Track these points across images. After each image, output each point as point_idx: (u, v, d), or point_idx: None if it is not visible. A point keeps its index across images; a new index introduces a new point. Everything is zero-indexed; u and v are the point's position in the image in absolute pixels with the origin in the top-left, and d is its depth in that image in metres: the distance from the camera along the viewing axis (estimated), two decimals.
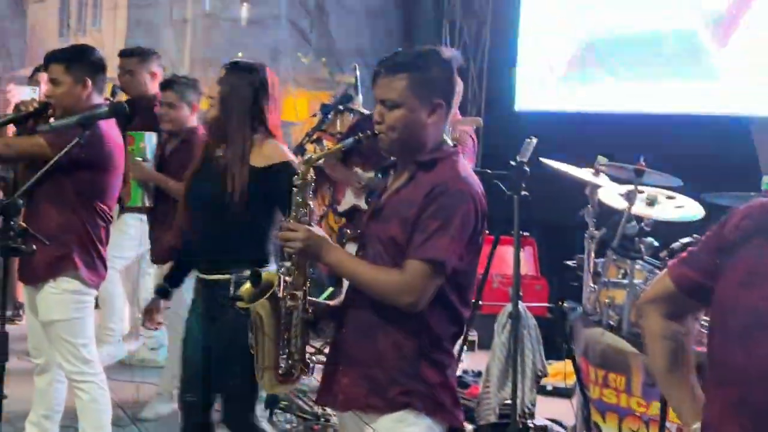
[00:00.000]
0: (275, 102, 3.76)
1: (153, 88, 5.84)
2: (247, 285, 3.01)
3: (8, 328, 6.51)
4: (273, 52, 9.11)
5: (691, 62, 7.11)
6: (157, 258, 5.46)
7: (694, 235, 4.37)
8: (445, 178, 2.77)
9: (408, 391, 2.77)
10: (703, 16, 7.15)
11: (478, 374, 5.39)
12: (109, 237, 4.33)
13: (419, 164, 2.83)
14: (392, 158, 2.99)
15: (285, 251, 2.90)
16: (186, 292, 5.43)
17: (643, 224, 4.94)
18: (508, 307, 4.75)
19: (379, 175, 3.31)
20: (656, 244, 4.87)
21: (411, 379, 2.77)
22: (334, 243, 2.98)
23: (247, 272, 3.17)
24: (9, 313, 6.95)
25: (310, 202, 2.99)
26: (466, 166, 2.90)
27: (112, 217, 4.34)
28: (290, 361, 2.95)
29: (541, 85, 8.43)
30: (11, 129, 4.45)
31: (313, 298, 3.01)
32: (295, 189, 2.97)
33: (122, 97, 6.14)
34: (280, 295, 2.92)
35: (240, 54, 9.26)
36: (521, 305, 4.69)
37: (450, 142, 2.92)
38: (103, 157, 4.04)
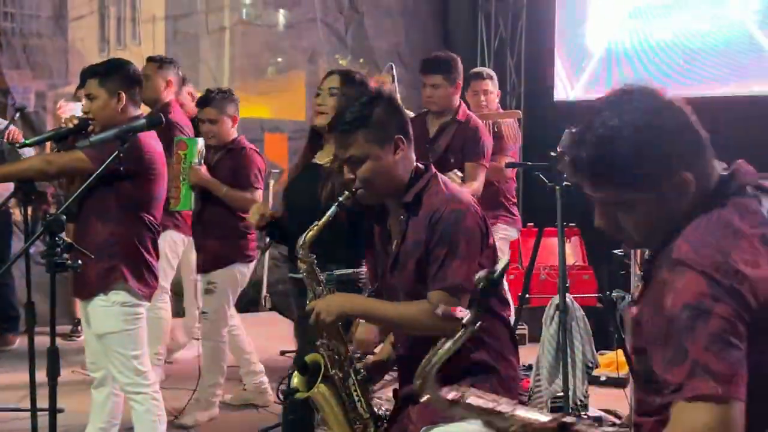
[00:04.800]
0: None
1: (167, 95, 5.87)
2: (297, 376, 3.10)
3: (67, 343, 6.68)
4: (311, 55, 9.14)
5: (736, 43, 7.01)
6: (203, 266, 5.47)
7: None
8: (435, 205, 2.85)
9: None
10: None
11: (529, 368, 5.37)
12: (158, 247, 4.36)
13: (407, 207, 2.92)
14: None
15: (317, 330, 3.00)
16: (226, 303, 5.51)
17: None
18: (555, 299, 4.73)
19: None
20: None
21: (482, 382, 2.78)
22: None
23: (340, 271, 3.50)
24: (69, 328, 7.12)
25: (322, 277, 3.14)
26: (446, 181, 2.99)
27: (160, 226, 4.35)
28: (361, 423, 3.05)
29: (580, 72, 8.37)
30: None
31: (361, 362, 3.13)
32: (304, 275, 3.13)
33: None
34: (331, 371, 3.02)
35: (279, 59, 9.31)
36: (568, 297, 4.67)
37: (421, 165, 2.98)
38: (143, 168, 4.07)
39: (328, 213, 3.05)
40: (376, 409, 3.08)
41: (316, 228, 3.08)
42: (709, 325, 1.73)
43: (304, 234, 3.12)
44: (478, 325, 2.08)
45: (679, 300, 1.78)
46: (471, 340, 2.74)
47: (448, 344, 2.08)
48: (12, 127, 6.36)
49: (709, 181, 1.96)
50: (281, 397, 3.30)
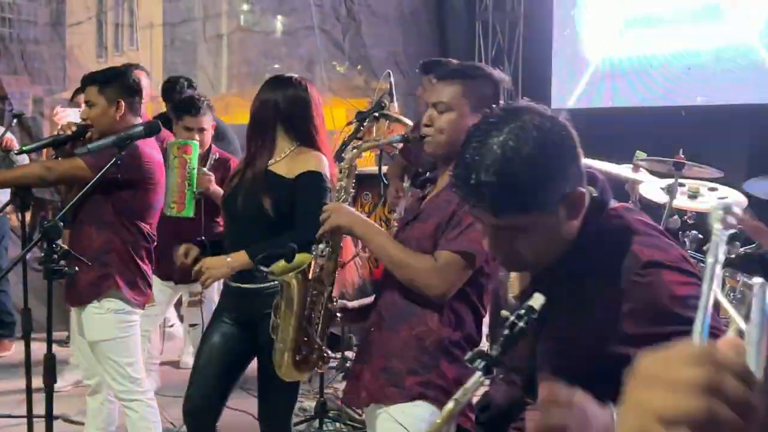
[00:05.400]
0: (312, 114, 3.81)
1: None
2: (282, 261, 3.04)
3: (63, 350, 6.69)
4: (308, 62, 9.13)
5: (728, 50, 7.02)
6: (181, 277, 5.23)
7: (739, 226, 4.32)
8: None
9: (424, 382, 2.84)
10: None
11: None
12: (152, 256, 4.35)
13: None
14: (428, 173, 3.10)
15: (320, 232, 2.96)
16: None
17: (686, 217, 4.90)
18: None
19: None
20: (700, 237, 4.82)
21: (429, 371, 2.83)
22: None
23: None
24: (65, 335, 7.09)
25: (352, 190, 3.11)
26: None
27: (156, 235, 4.34)
28: (309, 342, 3.03)
29: (577, 81, 8.38)
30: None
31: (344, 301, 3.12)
32: (340, 174, 3.06)
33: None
34: (310, 275, 3.00)
35: (276, 66, 9.31)
36: None
37: None
38: (142, 177, 4.07)
39: (392, 138, 3.15)
40: (324, 350, 3.07)
41: (371, 142, 3.22)
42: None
43: (354, 146, 3.11)
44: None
45: (668, 295, 1.83)
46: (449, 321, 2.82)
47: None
48: (8, 134, 6.35)
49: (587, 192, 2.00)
50: (259, 266, 3.19)
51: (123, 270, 4.13)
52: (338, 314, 3.07)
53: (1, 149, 6.10)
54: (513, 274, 2.16)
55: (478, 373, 1.77)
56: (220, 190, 5.08)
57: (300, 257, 3.04)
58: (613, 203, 2.04)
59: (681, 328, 1.76)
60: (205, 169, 5.07)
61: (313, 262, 3.01)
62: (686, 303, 1.80)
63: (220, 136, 5.58)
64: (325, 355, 3.06)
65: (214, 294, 5.46)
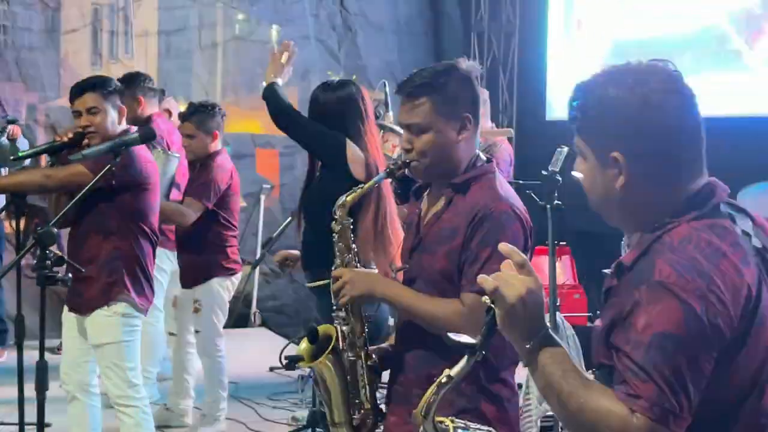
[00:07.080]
0: (364, 115, 4.06)
1: (142, 112, 5.67)
2: (305, 343, 2.88)
3: (55, 357, 6.68)
4: (303, 71, 9.12)
5: (720, 63, 7.05)
6: (185, 282, 5.43)
7: None
8: (485, 200, 2.63)
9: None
10: (732, 17, 7.09)
11: (519, 386, 5.34)
12: (154, 259, 4.35)
13: (455, 187, 2.71)
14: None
15: (338, 301, 2.80)
16: (215, 317, 5.46)
17: None
18: (546, 317, 4.72)
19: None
20: None
21: (468, 414, 2.51)
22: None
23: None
24: (57, 342, 7.08)
25: (354, 245, 2.92)
26: (503, 181, 2.77)
27: (158, 236, 4.36)
28: (362, 411, 2.83)
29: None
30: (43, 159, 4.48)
31: (374, 346, 2.93)
32: (335, 236, 2.90)
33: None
34: (341, 347, 2.82)
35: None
36: (559, 315, 4.67)
37: (483, 156, 2.79)
38: (140, 178, 4.10)
39: (376, 178, 2.94)
40: (378, 402, 2.88)
41: (359, 191, 2.89)
42: (676, 358, 1.67)
43: (345, 195, 2.89)
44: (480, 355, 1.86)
45: (653, 325, 1.69)
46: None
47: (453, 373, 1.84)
48: (11, 125, 6.36)
49: (679, 191, 1.84)
50: (284, 361, 3.06)
51: (132, 275, 4.16)
52: (381, 364, 2.89)
53: (8, 138, 6.14)
54: None
55: (465, 357, 1.77)
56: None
57: (324, 331, 2.87)
58: (721, 214, 1.85)
59: (632, 353, 1.70)
60: None
61: (338, 330, 2.83)
62: (655, 339, 1.68)
63: None
64: (378, 416, 2.86)
65: (210, 300, 5.41)
